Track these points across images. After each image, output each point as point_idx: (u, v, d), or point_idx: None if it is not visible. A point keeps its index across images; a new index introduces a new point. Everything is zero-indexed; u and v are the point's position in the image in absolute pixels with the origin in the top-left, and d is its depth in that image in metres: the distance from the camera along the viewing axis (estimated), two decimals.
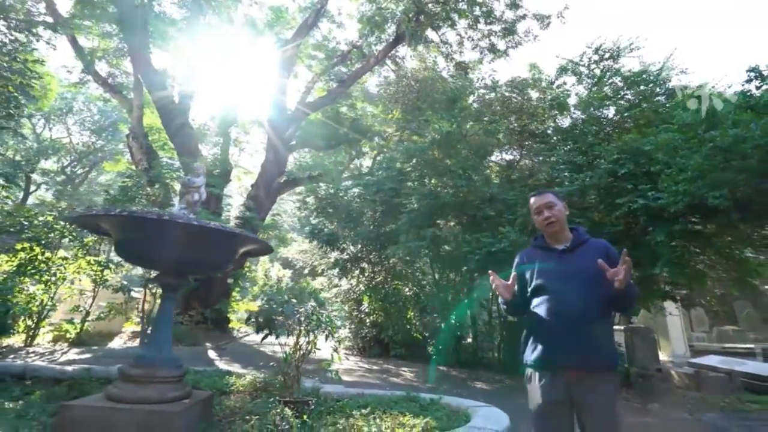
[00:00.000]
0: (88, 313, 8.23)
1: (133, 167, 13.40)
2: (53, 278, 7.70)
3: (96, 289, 8.42)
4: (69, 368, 4.55)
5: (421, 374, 7.32)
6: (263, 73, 17.48)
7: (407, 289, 9.53)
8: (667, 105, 5.83)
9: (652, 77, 6.11)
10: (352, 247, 9.51)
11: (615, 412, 1.76)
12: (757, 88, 3.75)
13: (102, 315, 8.39)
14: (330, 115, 17.25)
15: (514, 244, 5.47)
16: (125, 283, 9.18)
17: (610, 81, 6.60)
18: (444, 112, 7.28)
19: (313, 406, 3.53)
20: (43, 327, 7.86)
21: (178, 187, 12.52)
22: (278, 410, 3.15)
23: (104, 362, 5.77)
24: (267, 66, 16.91)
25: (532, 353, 1.90)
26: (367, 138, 18.54)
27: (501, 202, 6.28)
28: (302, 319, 3.66)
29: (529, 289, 1.97)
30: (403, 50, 16.59)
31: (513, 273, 2.04)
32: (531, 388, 1.90)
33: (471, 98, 8.21)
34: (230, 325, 12.76)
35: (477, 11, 15.51)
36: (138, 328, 9.81)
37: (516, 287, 2.00)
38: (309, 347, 3.80)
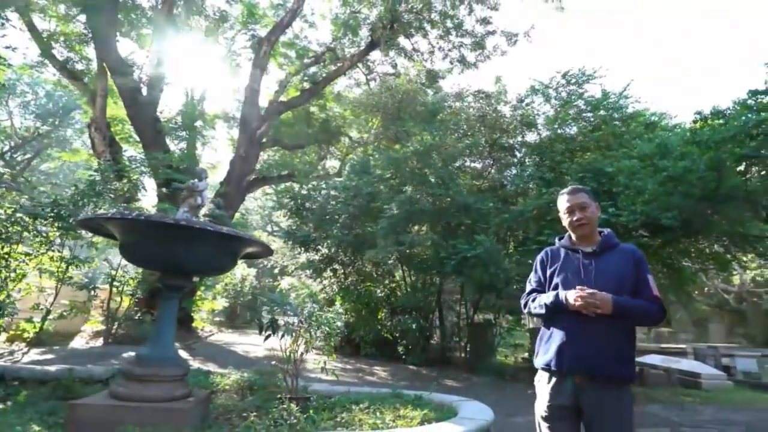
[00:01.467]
0: (49, 312, 7.87)
1: (94, 159, 12.80)
2: (12, 275, 7.32)
3: (58, 287, 8.06)
4: (52, 369, 4.45)
5: (394, 373, 7.64)
6: (236, 69, 17.15)
7: (379, 291, 9.83)
8: (624, 130, 6.57)
9: (610, 104, 6.87)
10: (326, 249, 9.69)
11: (626, 424, 1.65)
12: (701, 128, 4.42)
13: (65, 314, 8.05)
14: (301, 115, 17.28)
15: (488, 251, 5.92)
16: (87, 280, 8.81)
17: (575, 103, 7.31)
18: (426, 124, 7.68)
19: (314, 402, 3.74)
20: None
21: (144, 180, 12.14)
22: (284, 406, 3.34)
23: (72, 362, 5.61)
24: (240, 63, 16.66)
25: (544, 354, 1.82)
26: (336, 139, 18.75)
27: (475, 211, 6.77)
28: (303, 320, 3.86)
29: (549, 288, 1.90)
30: (374, 55, 17.00)
31: (536, 270, 2.00)
32: (539, 390, 1.84)
33: (447, 111, 8.66)
34: (194, 324, 12.51)
35: (449, 23, 16.18)
36: (100, 327, 9.46)
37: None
38: (307, 347, 4.00)
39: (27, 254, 7.52)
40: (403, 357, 8.81)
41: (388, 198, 7.90)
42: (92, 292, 8.55)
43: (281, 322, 4.21)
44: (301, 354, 3.97)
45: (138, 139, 13.27)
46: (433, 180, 6.91)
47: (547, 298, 1.84)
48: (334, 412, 3.64)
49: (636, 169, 4.85)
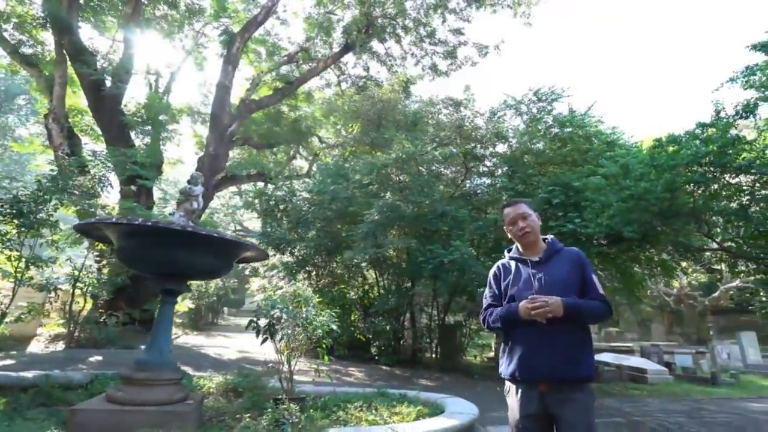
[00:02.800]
0: (5, 314, 7.43)
1: (50, 150, 12.07)
2: None
3: (16, 288, 7.62)
4: (29, 375, 4.31)
5: (369, 373, 7.85)
6: (203, 63, 16.72)
7: (352, 293, 10.00)
8: (588, 147, 7.21)
9: (576, 122, 7.49)
10: (301, 251, 9.75)
11: (589, 424, 1.72)
12: (658, 153, 5.02)
13: (23, 316, 7.63)
14: (271, 114, 17.11)
15: (463, 256, 6.28)
16: (47, 281, 8.36)
17: (544, 119, 7.89)
18: (407, 132, 7.96)
19: (310, 402, 3.89)
20: None
21: (103, 174, 11.60)
22: (284, 406, 3.47)
23: (38, 367, 5.36)
24: (207, 56, 16.27)
25: (508, 366, 1.87)
26: (306, 140, 18.70)
27: (452, 219, 7.13)
28: (299, 323, 3.99)
29: (505, 302, 1.94)
30: (347, 57, 17.16)
31: (491, 285, 2.05)
32: (509, 402, 1.89)
33: (427, 121, 9.00)
34: None
35: (422, 31, 16.64)
36: (59, 330, 9.00)
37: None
38: (301, 350, 4.13)
39: None
40: (376, 358, 9.03)
41: (365, 203, 8.11)
42: (53, 294, 8.13)
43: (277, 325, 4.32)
44: (297, 357, 4.09)
45: (100, 132, 12.67)
46: (412, 187, 7.21)
47: (502, 310, 1.89)
48: (327, 411, 3.82)
49: (602, 186, 5.42)
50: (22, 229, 7.45)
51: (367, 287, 10.35)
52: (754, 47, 4.63)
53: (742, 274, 7.84)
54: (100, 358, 7.33)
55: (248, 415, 3.92)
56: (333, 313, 4.42)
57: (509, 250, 2.12)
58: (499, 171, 8.25)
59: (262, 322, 3.95)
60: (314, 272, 10.17)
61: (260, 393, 4.58)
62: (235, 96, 15.51)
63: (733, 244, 5.81)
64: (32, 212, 7.60)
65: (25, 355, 7.21)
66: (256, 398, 4.39)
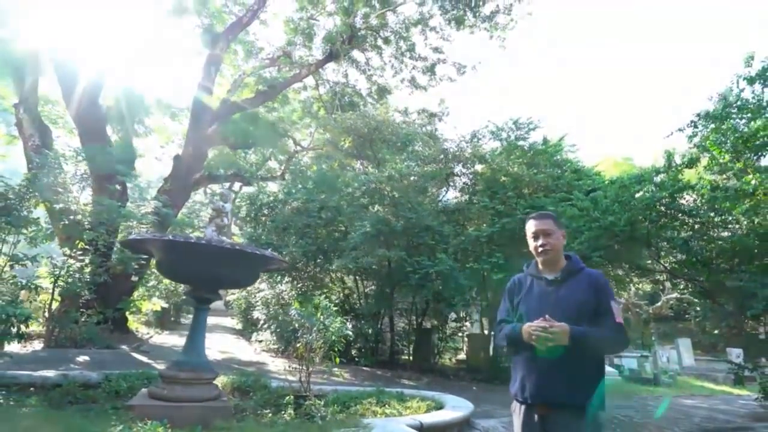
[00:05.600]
0: None
1: (17, 140, 11.60)
2: None
3: None
4: (51, 374, 4.47)
5: (354, 374, 8.35)
6: (189, 64, 16.51)
7: (333, 297, 10.46)
8: (559, 173, 8.22)
9: (549, 150, 8.47)
10: (285, 256, 10.08)
11: None
12: (623, 192, 6.07)
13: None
14: (248, 116, 17.14)
15: (451, 268, 6.97)
16: (27, 280, 8.18)
17: (520, 144, 8.81)
18: (398, 152, 8.57)
19: (326, 401, 4.36)
20: None
21: (75, 170, 11.33)
22: (310, 402, 3.93)
23: (31, 367, 5.39)
24: (194, 57, 16.09)
25: (512, 385, 1.87)
26: (283, 142, 18.86)
27: (437, 233, 7.81)
28: (318, 329, 4.45)
29: (515, 318, 1.91)
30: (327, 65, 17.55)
31: (505, 300, 2.02)
32: (514, 421, 1.88)
33: (417, 143, 9.69)
34: (128, 325, 11.92)
35: (402, 45, 17.38)
36: (36, 329, 8.79)
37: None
38: (317, 353, 4.59)
39: None
40: (356, 359, 9.53)
41: (354, 214, 8.62)
42: (33, 293, 7.96)
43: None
44: (312, 358, 4.54)
45: (73, 124, 12.30)
46: (403, 203, 7.82)
47: (508, 329, 1.86)
48: (342, 406, 4.29)
49: (575, 215, 6.32)
50: (6, 226, 7.31)
51: (347, 292, 10.82)
52: (698, 116, 5.76)
53: (681, 287, 9.15)
54: (87, 358, 7.36)
55: (267, 411, 4.34)
56: (344, 320, 4.88)
57: (528, 265, 2.05)
58: (479, 187, 9.05)
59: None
60: (296, 276, 10.52)
61: (269, 392, 4.97)
62: (215, 96, 15.45)
63: (676, 266, 6.99)
64: (16, 209, 7.48)
65: (5, 354, 7.07)
66: (267, 396, 4.78)
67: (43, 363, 6.29)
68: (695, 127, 5.83)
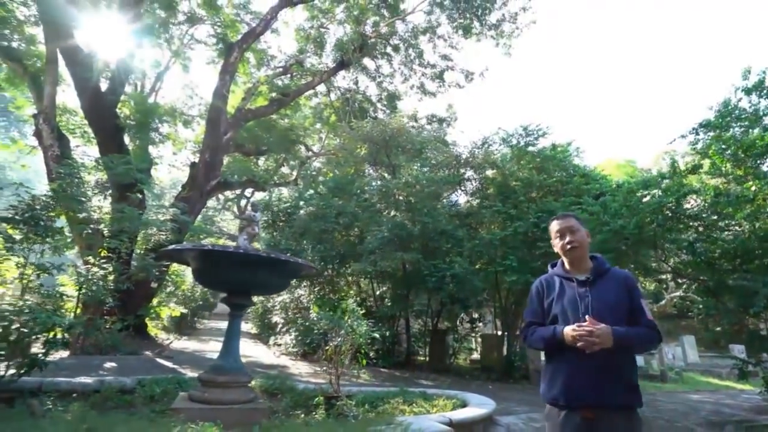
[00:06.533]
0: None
1: (37, 151, 11.92)
2: None
3: (23, 296, 7.69)
4: (89, 381, 4.67)
5: (373, 375, 8.50)
6: (193, 68, 16.81)
7: (352, 301, 10.64)
8: (568, 178, 8.43)
9: (558, 156, 8.69)
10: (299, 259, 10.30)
11: None
12: (630, 197, 6.35)
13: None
14: (262, 123, 17.42)
15: (467, 271, 7.13)
16: (53, 288, 8.43)
17: (530, 150, 9.00)
18: (412, 159, 8.77)
19: (356, 401, 4.52)
20: None
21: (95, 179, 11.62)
22: (342, 402, 4.09)
23: (64, 374, 5.59)
24: (197, 61, 16.40)
25: (550, 389, 1.81)
26: (296, 148, 19.14)
27: (452, 237, 7.97)
28: (348, 333, 4.61)
29: (547, 320, 1.89)
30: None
31: (533, 301, 2.00)
32: (550, 426, 1.83)
33: (431, 150, 9.90)
34: (148, 331, 12.18)
35: (411, 52, 17.61)
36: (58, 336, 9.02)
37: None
38: (346, 355, 4.75)
39: None
40: (374, 361, 9.69)
41: (370, 219, 8.80)
42: (58, 300, 8.21)
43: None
44: (345, 362, 4.70)
45: (92, 134, 12.61)
46: (419, 208, 8.01)
47: (546, 332, 1.83)
48: (371, 406, 4.45)
49: (585, 220, 6.52)
50: (33, 235, 7.56)
51: (364, 296, 10.99)
52: (700, 125, 6.06)
53: (685, 286, 9.43)
54: (114, 364, 7.57)
55: (299, 412, 4.52)
56: (369, 323, 5.03)
57: (553, 265, 2.04)
58: (490, 191, 9.20)
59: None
60: (314, 281, 10.71)
61: (297, 394, 5.14)
62: (230, 105, 15.76)
63: (681, 266, 7.29)
64: (42, 219, 7.74)
65: (50, 362, 7.29)
66: (297, 398, 4.95)
67: (73, 370, 6.49)
68: (697, 134, 6.20)
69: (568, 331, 1.72)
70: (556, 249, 1.98)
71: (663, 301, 15.12)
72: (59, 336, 4.08)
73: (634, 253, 7.03)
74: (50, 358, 6.82)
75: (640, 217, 6.22)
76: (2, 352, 3.53)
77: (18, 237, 7.33)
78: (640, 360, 12.10)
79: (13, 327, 3.61)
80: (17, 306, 3.86)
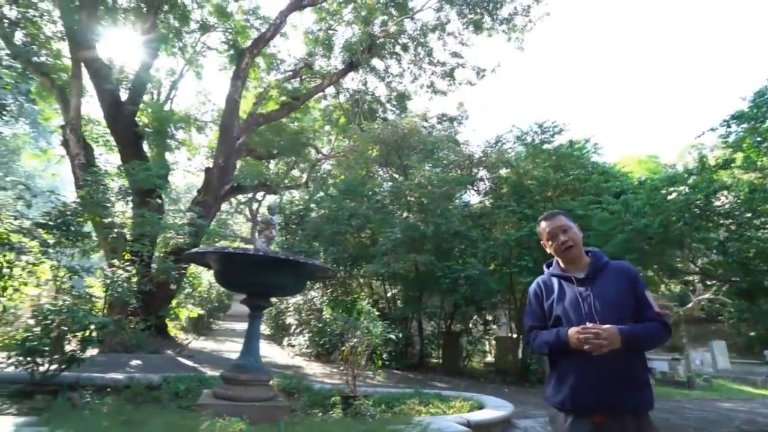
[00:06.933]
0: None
1: (64, 159, 12.39)
2: (14, 283, 7.29)
3: (56, 297, 8.03)
4: (120, 376, 4.90)
5: (387, 377, 8.60)
6: (206, 74, 17.19)
7: (365, 302, 10.79)
8: (586, 176, 8.35)
9: (575, 153, 8.60)
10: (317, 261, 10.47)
11: None
12: (655, 195, 6.18)
13: None
14: (273, 126, 17.71)
15: (481, 273, 7.18)
16: (83, 290, 8.77)
17: (545, 148, 8.97)
18: (424, 159, 8.87)
19: (372, 401, 4.64)
20: None
21: (118, 186, 11.95)
22: (359, 402, 4.21)
23: (94, 370, 5.85)
24: (209, 68, 16.78)
25: (556, 393, 1.73)
26: (306, 151, 19.40)
27: (465, 238, 8.03)
28: (364, 334, 4.74)
29: (549, 323, 1.82)
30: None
31: (532, 304, 1.93)
32: (554, 431, 1.77)
33: (443, 150, 9.96)
34: (168, 331, 12.49)
35: (420, 51, 17.68)
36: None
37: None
38: (362, 356, 4.88)
39: (34, 264, 7.48)
40: (388, 362, 9.79)
41: (383, 220, 8.91)
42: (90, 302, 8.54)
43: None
44: (362, 362, 4.83)
45: (114, 143, 13.04)
46: (431, 209, 8.09)
47: (549, 336, 1.76)
48: (387, 406, 4.56)
49: (606, 219, 6.47)
50: (64, 240, 7.91)
51: (376, 297, 11.11)
52: (732, 116, 5.84)
53: (714, 288, 9.12)
54: (139, 362, 7.85)
55: (316, 411, 4.65)
56: (384, 324, 5.14)
57: (549, 265, 1.96)
58: (504, 190, 9.23)
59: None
60: (327, 282, 10.87)
61: (314, 393, 5.28)
62: (242, 110, 16.06)
63: (710, 267, 7.06)
64: (72, 224, 8.08)
65: (86, 358, 7.61)
66: (314, 397, 5.09)
67: (104, 366, 6.77)
68: (728, 126, 5.93)
69: (573, 333, 1.64)
70: (550, 251, 1.91)
71: (690, 304, 14.76)
72: (94, 334, 4.29)
73: (658, 253, 6.87)
74: (85, 355, 7.14)
75: (666, 216, 6.03)
76: (46, 349, 3.74)
77: (51, 241, 7.67)
78: (663, 365, 11.82)
79: (54, 325, 3.82)
80: (57, 306, 4.08)
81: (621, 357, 1.59)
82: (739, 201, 5.97)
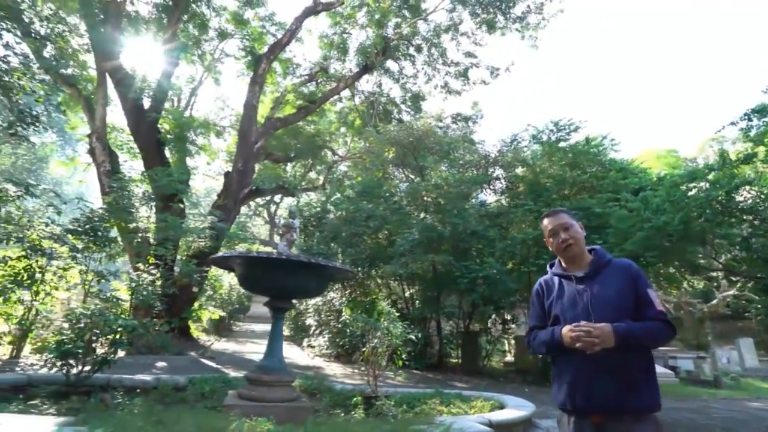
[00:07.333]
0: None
1: (90, 166, 12.86)
2: (46, 288, 7.61)
3: (84, 300, 8.35)
4: (147, 378, 5.07)
5: (407, 377, 8.64)
6: (223, 80, 17.53)
7: (385, 303, 10.85)
8: (603, 173, 8.21)
9: (592, 151, 8.49)
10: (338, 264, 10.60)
11: None
12: (674, 191, 6.07)
13: None
14: (290, 130, 17.96)
15: (499, 272, 7.16)
16: (110, 293, 9.09)
17: (561, 146, 8.88)
18: (440, 160, 8.89)
19: (393, 401, 4.68)
20: (30, 338, 7.68)
21: (142, 192, 12.29)
22: (381, 402, 4.27)
23: (123, 371, 6.03)
24: (227, 74, 17.11)
25: (557, 394, 1.74)
26: (323, 153, 19.60)
27: (483, 238, 8.02)
28: (383, 335, 4.78)
29: (549, 322, 1.81)
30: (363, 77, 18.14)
31: (534, 304, 1.92)
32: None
33: (459, 151, 9.97)
34: (191, 333, 12.79)
35: (434, 51, 17.68)
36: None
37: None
38: (382, 357, 4.92)
39: (65, 269, 7.79)
40: (407, 363, 9.82)
41: (400, 221, 8.95)
42: (117, 305, 8.85)
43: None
44: (383, 363, 4.88)
45: (137, 149, 13.44)
46: (448, 210, 8.11)
47: (546, 335, 1.76)
48: (408, 406, 4.59)
49: (624, 217, 6.37)
50: (92, 245, 8.22)
51: (394, 297, 11.16)
52: (754, 110, 5.67)
53: (738, 284, 8.84)
54: (165, 363, 8.08)
55: (338, 411, 4.72)
56: (404, 324, 5.18)
57: (551, 265, 1.94)
58: (520, 189, 9.18)
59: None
60: (346, 284, 10.97)
61: (335, 394, 5.35)
62: (259, 114, 16.34)
63: (734, 263, 6.87)
64: (99, 230, 8.39)
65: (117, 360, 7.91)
66: (336, 398, 5.16)
67: (131, 368, 7.01)
68: (749, 120, 5.78)
69: (566, 332, 1.62)
70: (552, 248, 1.88)
71: (714, 301, 14.39)
72: (124, 337, 4.45)
73: (679, 250, 6.74)
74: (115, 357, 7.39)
75: (686, 213, 5.93)
76: (80, 352, 3.91)
77: (80, 246, 7.98)
78: (689, 364, 11.49)
79: (86, 329, 3.99)
80: (89, 310, 4.24)
81: (617, 356, 1.55)
82: (762, 196, 5.80)
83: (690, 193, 5.97)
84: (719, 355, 11.35)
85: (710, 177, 5.98)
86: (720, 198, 5.65)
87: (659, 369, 9.71)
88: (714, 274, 8.18)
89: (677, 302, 15.39)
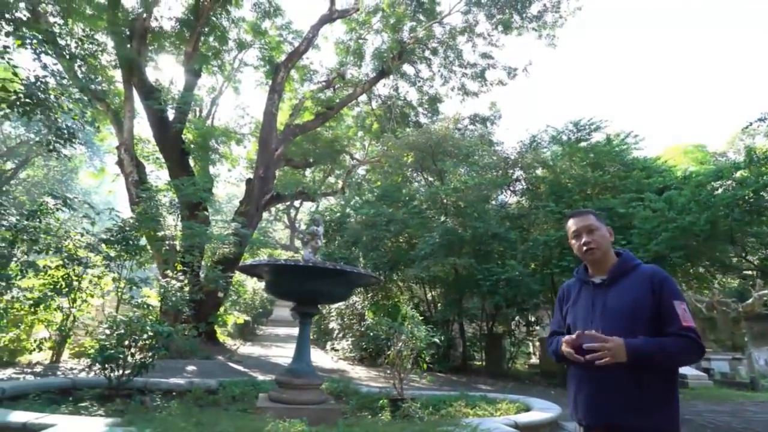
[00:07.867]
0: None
1: (118, 177, 13.38)
2: (83, 295, 7.97)
3: (118, 306, 8.70)
4: (181, 381, 5.27)
5: (432, 379, 8.66)
6: (243, 89, 17.95)
7: (408, 307, 10.91)
8: (626, 172, 8.08)
9: (614, 150, 8.38)
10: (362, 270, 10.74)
11: None
12: (699, 191, 5.96)
13: None
14: (309, 136, 18.24)
15: (522, 274, 7.13)
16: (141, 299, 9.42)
17: (582, 146, 8.77)
18: (460, 163, 8.93)
19: (419, 404, 4.74)
20: (68, 344, 8.05)
21: (168, 200, 12.65)
22: (407, 404, 4.33)
23: (158, 375, 6.24)
24: (246, 83, 17.50)
25: (572, 406, 1.66)
26: (341, 158, 19.83)
27: (504, 240, 8.00)
28: (408, 338, 4.85)
29: (564, 329, 1.75)
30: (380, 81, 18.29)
31: (556, 309, 1.87)
32: None
33: (479, 154, 9.98)
34: (217, 337, 13.10)
35: (450, 54, 17.68)
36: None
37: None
38: (407, 360, 4.99)
39: (99, 277, 8.15)
40: (431, 365, 9.83)
41: (421, 225, 9.00)
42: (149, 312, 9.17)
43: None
44: (408, 366, 4.94)
45: (163, 160, 13.89)
46: (469, 213, 8.12)
47: (554, 344, 1.70)
48: (434, 408, 4.64)
49: (649, 217, 6.27)
50: (124, 253, 8.56)
51: (416, 301, 11.20)
52: None
53: None
54: (194, 367, 8.33)
55: (365, 413, 4.80)
56: (427, 327, 5.23)
57: (577, 270, 1.83)
58: (541, 190, 9.11)
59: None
60: (369, 288, 11.07)
61: (361, 396, 5.43)
62: (279, 121, 16.66)
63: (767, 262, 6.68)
64: (130, 239, 8.72)
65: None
66: (362, 400, 5.25)
67: (164, 371, 7.25)
68: None
69: (563, 342, 1.56)
70: (574, 250, 1.77)
71: (750, 300, 13.91)
72: (160, 343, 4.65)
73: (708, 250, 6.58)
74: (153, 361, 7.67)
75: (712, 212, 5.82)
76: (121, 357, 4.11)
77: (113, 255, 8.33)
78: (724, 366, 11.10)
79: (126, 335, 4.19)
80: (127, 317, 4.46)
81: (626, 372, 1.43)
82: None
83: (716, 192, 5.85)
84: (756, 357, 10.95)
85: (737, 175, 5.86)
86: (748, 197, 5.53)
87: (691, 372, 9.44)
88: (748, 272, 7.93)
89: (709, 302, 14.90)
